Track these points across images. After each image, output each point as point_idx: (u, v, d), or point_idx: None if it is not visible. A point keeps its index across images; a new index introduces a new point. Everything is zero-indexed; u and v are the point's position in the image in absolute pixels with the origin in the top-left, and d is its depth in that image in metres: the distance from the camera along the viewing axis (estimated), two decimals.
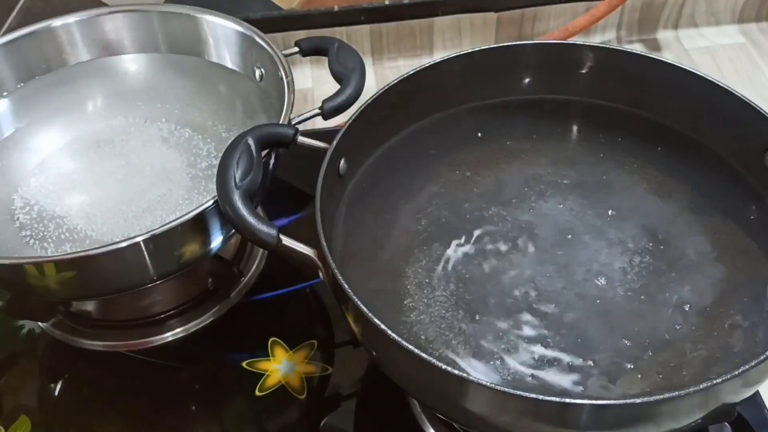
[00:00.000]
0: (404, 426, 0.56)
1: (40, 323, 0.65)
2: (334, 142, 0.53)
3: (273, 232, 0.48)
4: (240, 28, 0.67)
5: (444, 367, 0.40)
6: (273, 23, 0.86)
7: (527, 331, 0.52)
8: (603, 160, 0.60)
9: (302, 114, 0.60)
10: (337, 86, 0.61)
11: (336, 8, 0.88)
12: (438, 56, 0.61)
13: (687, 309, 0.51)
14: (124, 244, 0.51)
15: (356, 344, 0.62)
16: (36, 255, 0.60)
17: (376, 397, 0.58)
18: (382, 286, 0.53)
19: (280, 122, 0.57)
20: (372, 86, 0.77)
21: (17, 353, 0.65)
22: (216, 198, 0.51)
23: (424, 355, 0.40)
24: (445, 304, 0.53)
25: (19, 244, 0.61)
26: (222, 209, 0.49)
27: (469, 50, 0.59)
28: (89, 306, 0.65)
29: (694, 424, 0.42)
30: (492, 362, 0.50)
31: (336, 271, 0.45)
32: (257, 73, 0.67)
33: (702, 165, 0.57)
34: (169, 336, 0.63)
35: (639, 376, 0.48)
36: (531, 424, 0.41)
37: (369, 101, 0.55)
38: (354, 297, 0.43)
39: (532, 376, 0.49)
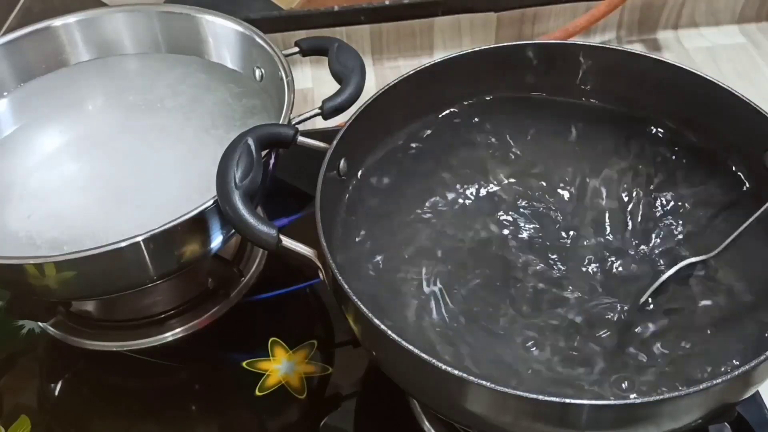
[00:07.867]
0: (404, 426, 0.56)
1: (40, 323, 0.65)
2: (334, 142, 0.53)
3: (273, 232, 0.48)
4: (240, 28, 0.68)
5: (444, 367, 0.40)
6: (273, 23, 0.86)
7: (528, 331, 0.52)
8: (603, 160, 0.60)
9: (302, 114, 0.60)
10: (337, 86, 0.61)
11: (336, 8, 0.88)
12: (438, 56, 0.61)
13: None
14: (124, 244, 0.51)
15: (356, 344, 0.62)
16: (36, 255, 0.60)
17: (376, 397, 0.58)
18: (382, 287, 0.53)
19: (280, 122, 0.57)
20: (372, 86, 0.77)
21: (17, 353, 0.65)
22: (216, 198, 0.51)
23: (424, 355, 0.40)
24: (445, 305, 0.53)
25: (19, 244, 0.61)
26: (222, 209, 0.49)
27: (469, 50, 0.59)
28: (89, 306, 0.65)
29: (694, 424, 0.42)
30: (492, 362, 0.50)
31: (336, 271, 0.45)
32: (257, 73, 0.67)
33: (702, 165, 0.57)
34: (169, 336, 0.63)
35: None
36: (531, 424, 0.41)
37: (369, 101, 0.55)
38: (354, 297, 0.43)
39: (531, 372, 0.49)
